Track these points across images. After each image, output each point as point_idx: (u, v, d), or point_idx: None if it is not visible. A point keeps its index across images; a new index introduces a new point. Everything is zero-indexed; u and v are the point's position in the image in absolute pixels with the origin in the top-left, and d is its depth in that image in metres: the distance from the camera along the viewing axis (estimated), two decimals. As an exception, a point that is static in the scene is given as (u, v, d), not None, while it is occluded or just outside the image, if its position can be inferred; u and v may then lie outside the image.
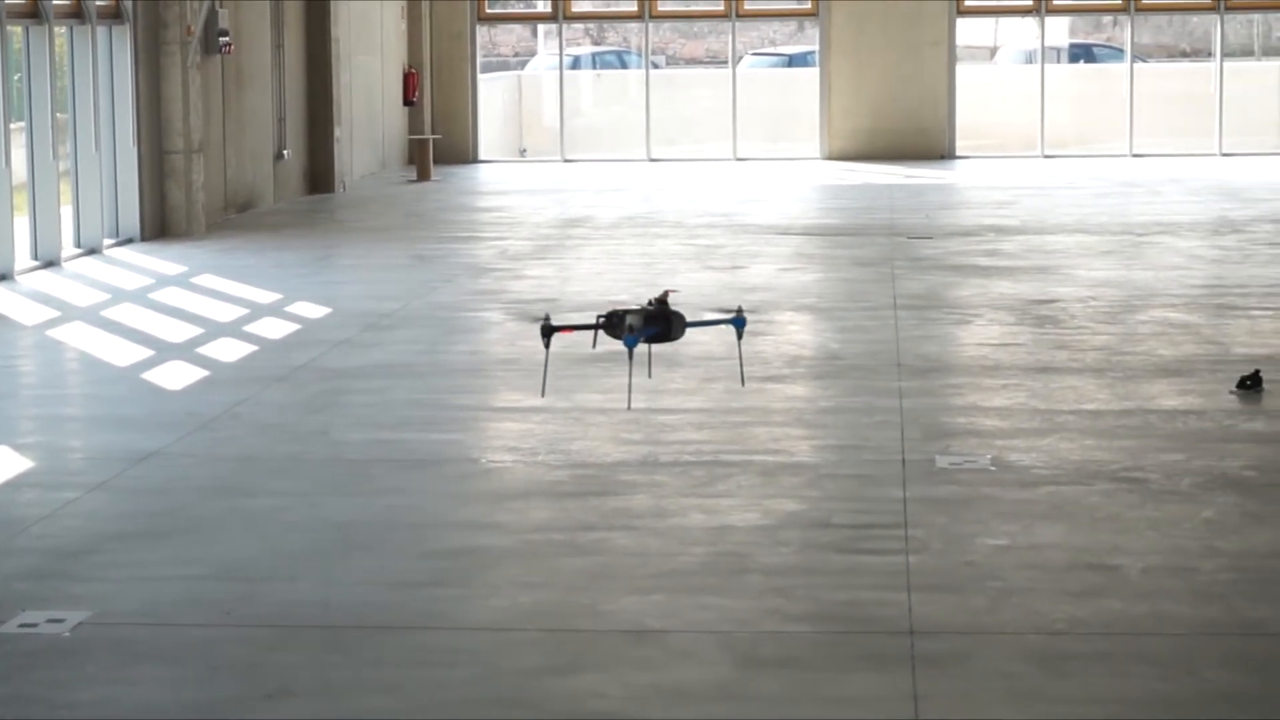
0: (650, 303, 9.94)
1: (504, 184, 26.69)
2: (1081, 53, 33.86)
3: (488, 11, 30.01)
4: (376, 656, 6.79)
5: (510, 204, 23.77)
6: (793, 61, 33.66)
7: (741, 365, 9.83)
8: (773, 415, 10.87)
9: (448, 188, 25.73)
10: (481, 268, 17.56)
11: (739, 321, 9.81)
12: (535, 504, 9.00)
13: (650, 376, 9.84)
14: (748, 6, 29.68)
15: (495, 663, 6.77)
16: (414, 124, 28.07)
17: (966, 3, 28.99)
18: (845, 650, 6.84)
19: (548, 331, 9.72)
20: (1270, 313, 14.40)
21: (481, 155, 29.49)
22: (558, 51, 30.93)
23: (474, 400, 11.72)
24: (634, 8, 29.66)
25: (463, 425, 10.96)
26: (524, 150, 31.50)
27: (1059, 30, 31.72)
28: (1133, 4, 29.06)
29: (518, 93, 33.24)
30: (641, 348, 9.81)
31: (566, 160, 29.37)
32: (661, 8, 29.73)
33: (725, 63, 30.34)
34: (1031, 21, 29.54)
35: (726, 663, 6.71)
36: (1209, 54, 29.71)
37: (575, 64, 33.62)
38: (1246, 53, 31.40)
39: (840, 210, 22.18)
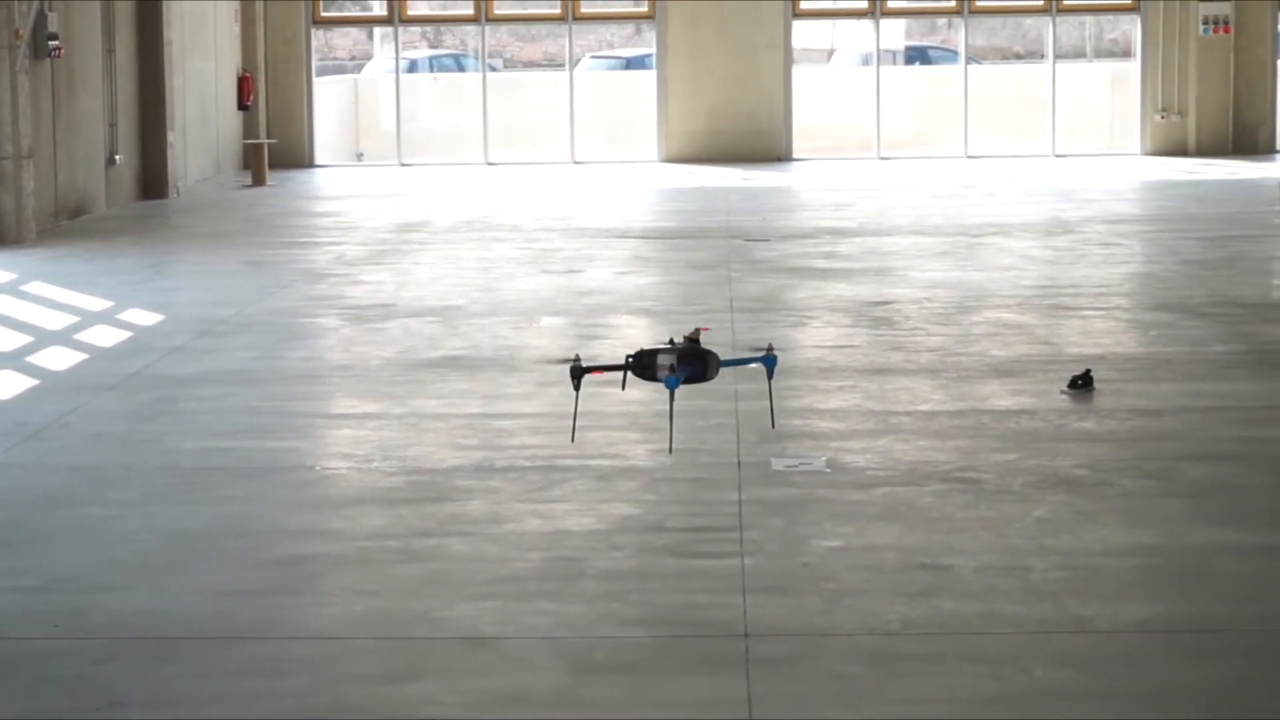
0: (670, 341, 9.76)
1: (340, 189, 26.56)
2: (917, 55, 34.13)
3: (323, 15, 29.87)
4: (208, 667, 6.78)
5: (347, 209, 23.65)
6: (630, 64, 33.72)
7: (772, 406, 9.67)
8: (609, 419, 10.89)
9: (283, 192, 25.60)
10: (318, 273, 17.47)
11: (770, 360, 9.54)
12: (370, 511, 8.99)
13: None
14: (584, 9, 29.74)
15: (329, 671, 6.77)
16: (249, 128, 27.91)
17: (802, 5, 29.16)
18: (680, 654, 6.89)
19: (577, 374, 9.35)
20: (1101, 312, 14.60)
21: (318, 160, 29.36)
22: (394, 55, 30.83)
23: (310, 407, 11.66)
24: (470, 11, 29.64)
25: (298, 432, 10.90)
26: (361, 155, 31.37)
27: (894, 33, 31.95)
28: (966, 7, 29.36)
29: (354, 96, 33.11)
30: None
31: (404, 164, 29.29)
32: (498, 10, 29.70)
33: (563, 66, 30.31)
34: (867, 24, 29.73)
35: (561, 668, 6.74)
36: (1042, 56, 30.03)
37: (412, 67, 33.54)
38: (1079, 55, 31.72)
39: (677, 213, 22.27)
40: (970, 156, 28.88)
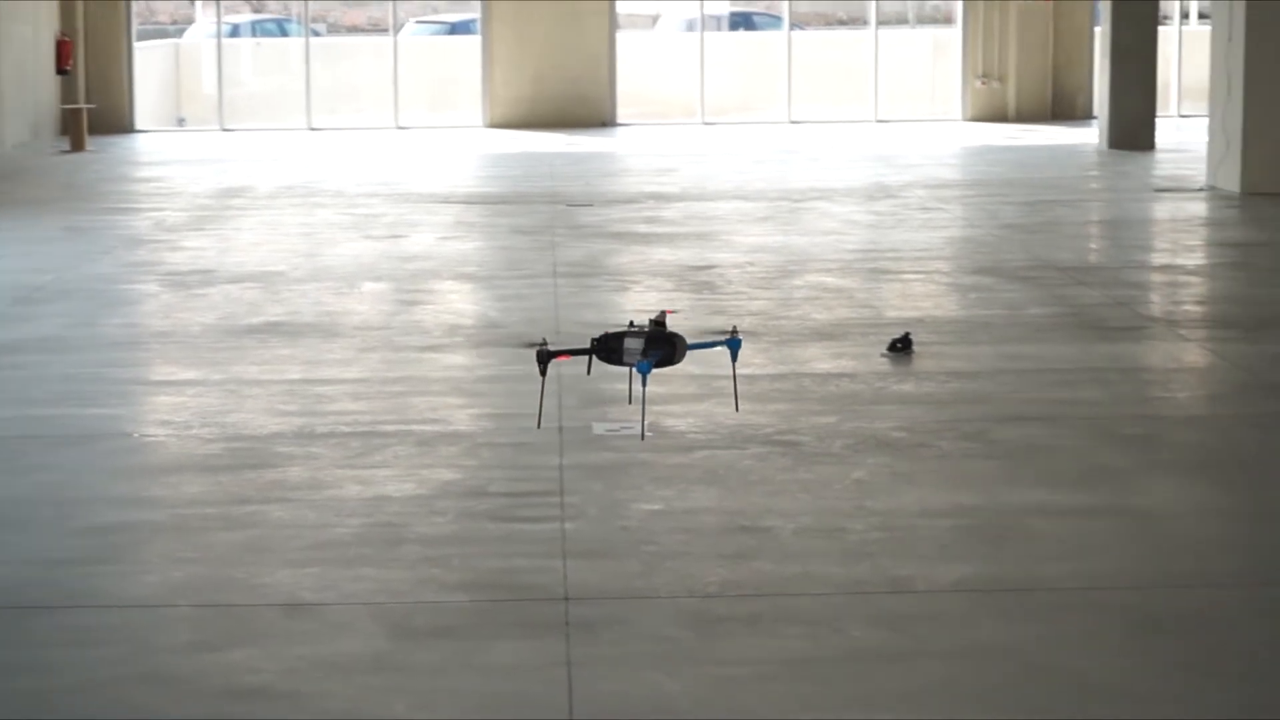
0: (630, 324, 9.62)
1: (162, 154, 26.33)
2: (741, 21, 34.26)
3: (141, -21, 29.62)
4: (24, 637, 6.74)
5: (168, 174, 23.46)
6: (455, 29, 33.62)
7: (736, 388, 9.67)
8: (431, 384, 10.91)
9: (103, 158, 25.35)
10: (138, 239, 17.34)
11: (734, 343, 9.58)
12: (189, 478, 8.94)
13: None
14: (406, -26, 29.71)
15: (147, 640, 6.74)
16: (68, 93, 27.57)
17: (629, -27, 29.29)
18: (500, 618, 6.92)
19: (543, 358, 9.27)
20: (921, 276, 14.76)
21: (138, 125, 29.09)
22: (216, 19, 30.60)
23: (128, 374, 11.56)
24: (289, -26, 29.54)
25: (117, 399, 10.81)
26: (182, 120, 31.10)
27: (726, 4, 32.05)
28: (788, -25, 29.66)
29: (175, 61, 32.80)
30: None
31: (226, 130, 29.11)
32: (320, -24, 29.62)
33: (387, 30, 30.17)
34: (688, -8, 29.86)
35: (381, 634, 6.75)
36: (865, 22, 30.24)
37: (234, 32, 33.31)
38: (901, 21, 31.95)
39: (501, 178, 22.26)
40: (794, 122, 29.05)
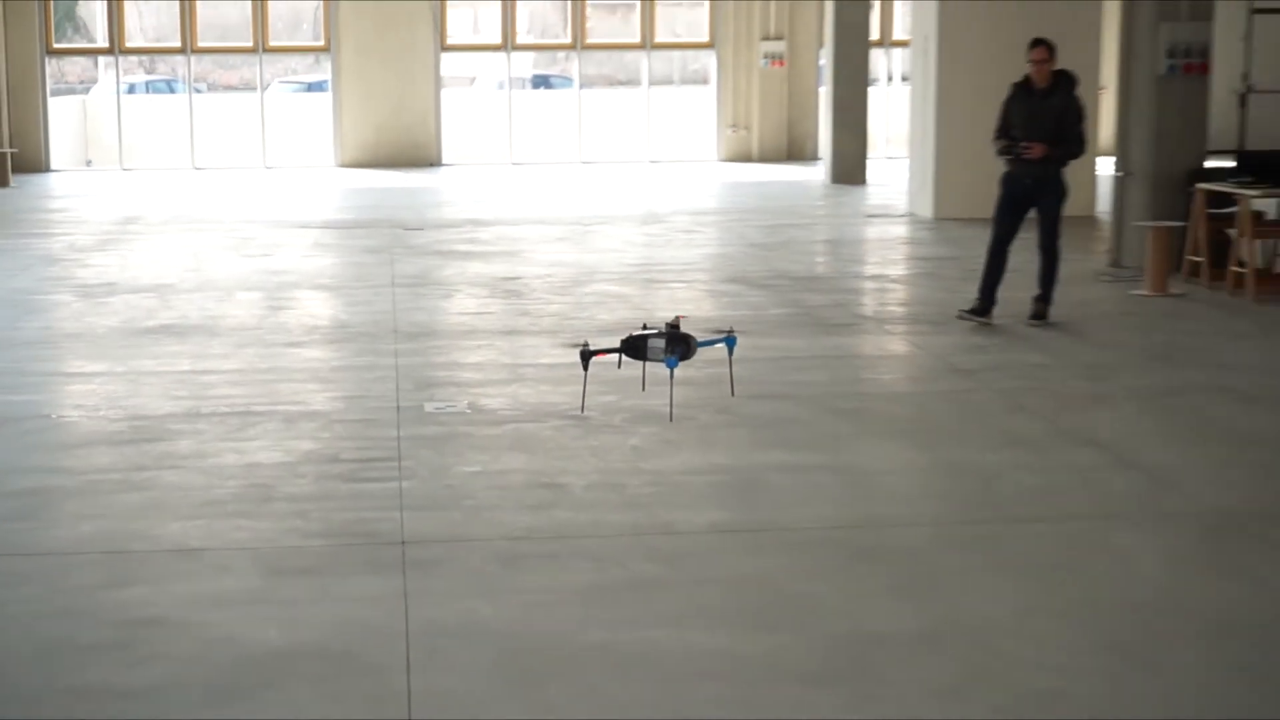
0: (644, 326, 9.63)
1: (71, 190, 25.78)
2: (542, 81, 34.25)
3: (55, 45, 29.05)
4: (-46, 583, 6.69)
5: (76, 206, 22.99)
6: (311, 88, 33.34)
7: (732, 376, 9.71)
8: (295, 374, 10.86)
9: (23, 193, 24.78)
10: (52, 258, 17.02)
11: (731, 340, 9.63)
12: (97, 451, 8.84)
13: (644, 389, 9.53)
14: (272, 43, 29.31)
15: (58, 582, 6.73)
16: (-9, 137, 27.14)
17: (449, 41, 29.06)
18: (351, 559, 6.97)
19: (585, 357, 9.41)
20: (684, 284, 14.86)
21: (53, 166, 28.54)
22: (115, 79, 30.13)
23: (45, 367, 11.37)
24: (179, 44, 29.08)
25: (35, 388, 10.64)
26: (89, 162, 30.46)
27: (524, 63, 31.96)
28: (579, 44, 29.60)
29: (83, 113, 32.18)
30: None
31: (125, 169, 28.63)
32: (202, 44, 29.16)
33: (255, 88, 29.86)
34: (501, 56, 29.70)
35: (256, 573, 6.78)
36: (639, 82, 30.33)
37: (131, 89, 32.75)
38: (668, 81, 32.03)
39: (350, 208, 22.10)
40: (584, 163, 29.10)
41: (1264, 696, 5.48)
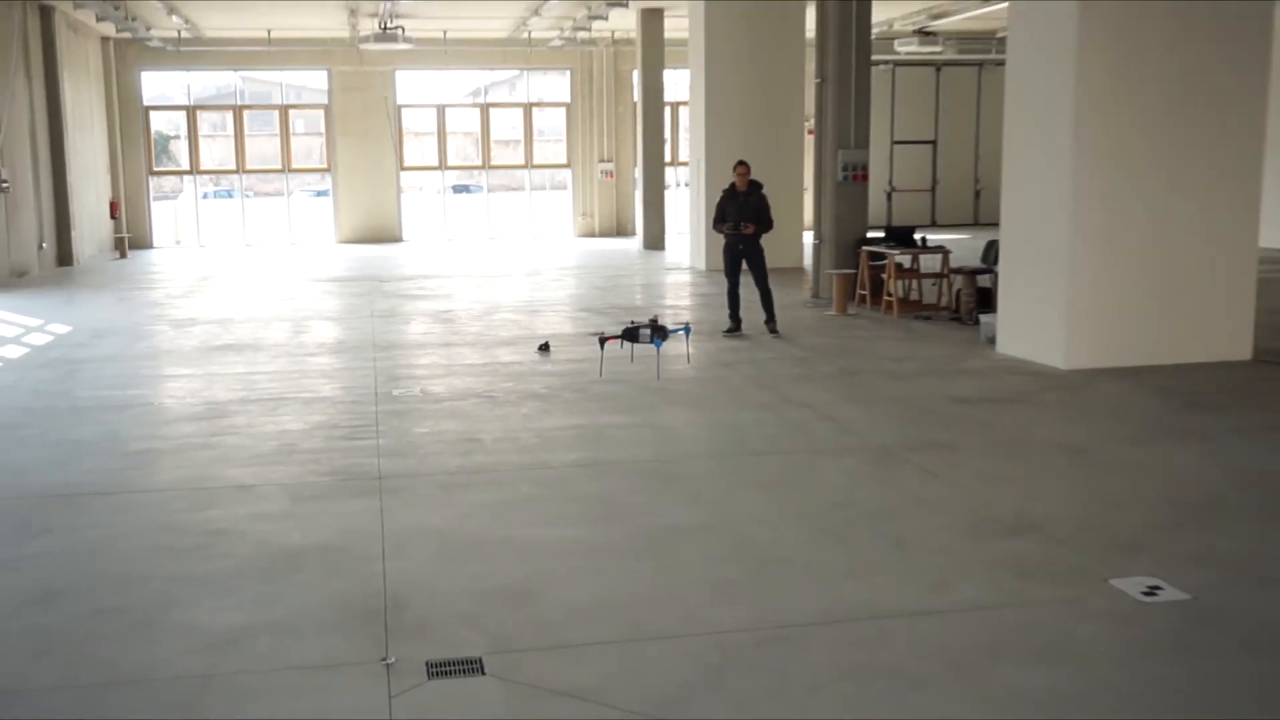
0: (631, 322, 10.15)
1: (166, 260, 25.13)
2: (463, 188, 34.02)
3: (155, 169, 28.21)
4: (89, 508, 6.57)
5: (169, 270, 22.33)
6: (320, 194, 32.79)
7: (689, 353, 10.33)
8: (310, 373, 10.69)
9: (134, 262, 24.00)
10: (154, 302, 16.52)
11: (687, 330, 9.98)
12: (184, 424, 8.64)
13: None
14: (295, 165, 28.81)
15: (161, 507, 6.61)
16: (116, 226, 26.25)
17: (406, 164, 28.74)
18: (348, 489, 6.89)
19: (602, 340, 9.80)
20: (555, 313, 14.81)
21: (155, 244, 27.77)
22: (195, 190, 29.38)
23: (151, 372, 11.05)
24: (234, 167, 28.46)
25: (144, 385, 10.34)
26: (178, 241, 29.70)
27: (452, 177, 31.66)
28: (486, 165, 29.44)
29: (174, 211, 31.24)
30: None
31: (201, 247, 27.92)
32: (249, 166, 28.58)
33: (283, 194, 29.27)
34: (439, 173, 29.43)
35: (287, 499, 6.69)
36: (525, 188, 30.18)
37: (205, 195, 31.98)
38: (543, 187, 31.85)
39: (345, 269, 21.70)
40: (491, 239, 28.92)
41: (909, 556, 5.59)
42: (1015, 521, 6.06)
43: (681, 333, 9.74)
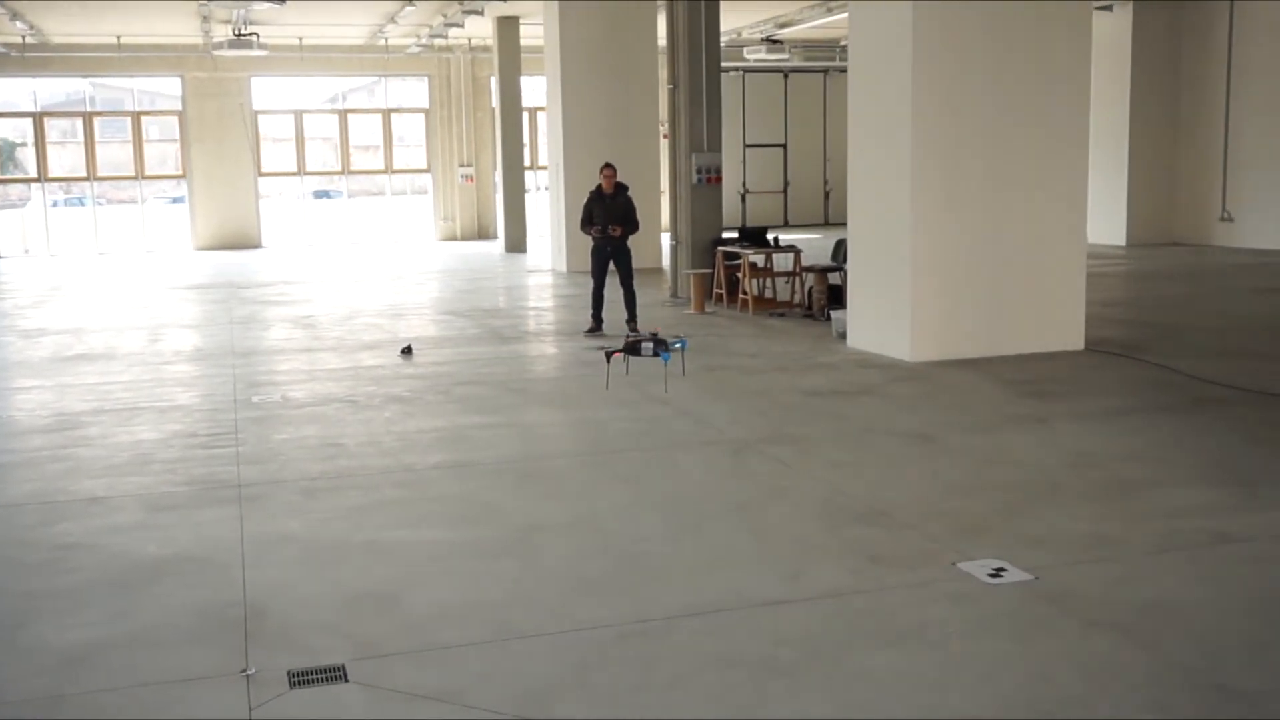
0: (628, 335, 9.90)
1: (14, 270, 24.08)
2: (323, 194, 33.35)
3: (1, 177, 27.11)
4: (-58, 526, 6.17)
5: (18, 279, 21.42)
6: (175, 200, 31.79)
7: (684, 366, 9.95)
8: (166, 382, 10.33)
9: (-18, 271, 23.13)
10: (2, 313, 15.82)
11: (684, 343, 9.71)
12: (33, 437, 8.26)
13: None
14: (148, 172, 27.86)
15: (7, 521, 6.30)
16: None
17: (263, 170, 28.01)
18: (206, 498, 6.64)
19: (608, 355, 9.50)
20: (417, 315, 14.60)
21: (1, 254, 26.57)
22: (43, 196, 28.24)
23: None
24: (85, 174, 27.39)
25: (-7, 398, 9.93)
26: (27, 250, 28.47)
27: (312, 183, 30.96)
28: (346, 170, 28.85)
29: (22, 219, 30.04)
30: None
31: (51, 255, 26.83)
32: (101, 173, 27.56)
33: (137, 201, 28.27)
34: (298, 178, 28.79)
35: (142, 510, 6.43)
36: (386, 193, 29.70)
37: (55, 204, 30.75)
38: (404, 192, 31.34)
39: (203, 276, 21.06)
40: (352, 244, 28.39)
41: (766, 546, 5.62)
42: (866, 509, 6.14)
43: (679, 346, 9.68)
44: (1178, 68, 22.63)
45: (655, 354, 9.41)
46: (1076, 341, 11.00)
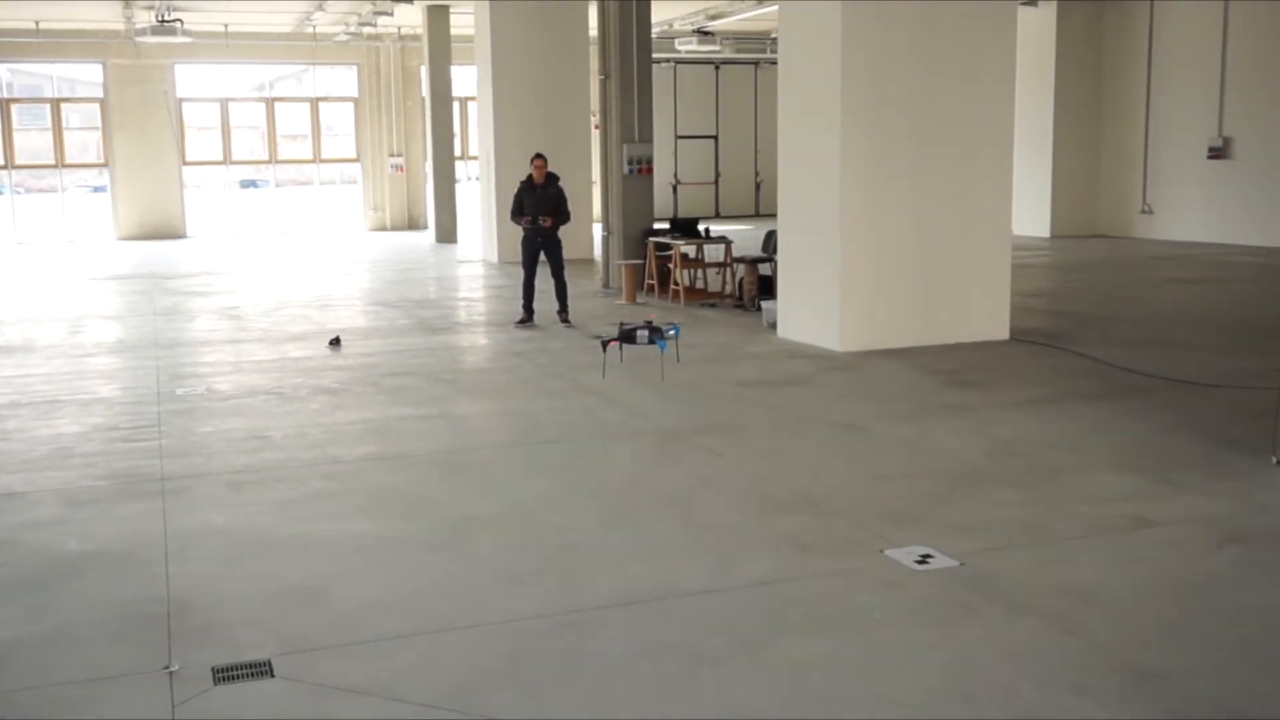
0: (621, 324, 9.80)
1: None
2: (250, 183, 32.85)
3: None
4: None
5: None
6: (97, 189, 31.09)
7: (678, 353, 9.93)
8: (88, 374, 10.11)
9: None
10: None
11: (676, 329, 9.63)
12: (-50, 431, 8.05)
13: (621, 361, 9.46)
14: (69, 160, 27.24)
15: (-74, 519, 6.09)
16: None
17: (189, 159, 27.51)
18: (128, 492, 6.52)
19: (604, 344, 9.40)
20: (347, 307, 14.43)
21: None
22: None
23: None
24: (2, 162, 26.73)
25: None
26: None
27: (239, 172, 30.49)
28: (274, 160, 28.46)
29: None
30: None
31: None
32: (19, 162, 26.90)
33: (57, 191, 27.65)
34: (224, 167, 28.33)
35: (61, 505, 6.29)
36: (314, 183, 29.34)
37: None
38: (333, 181, 30.97)
39: (128, 265, 20.65)
40: (280, 234, 28.01)
41: (696, 536, 5.62)
42: (796, 498, 6.17)
43: (672, 332, 9.60)
44: (1100, 64, 23.03)
45: (651, 341, 9.36)
46: (1002, 332, 11.15)
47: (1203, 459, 6.83)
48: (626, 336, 9.48)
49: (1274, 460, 6.68)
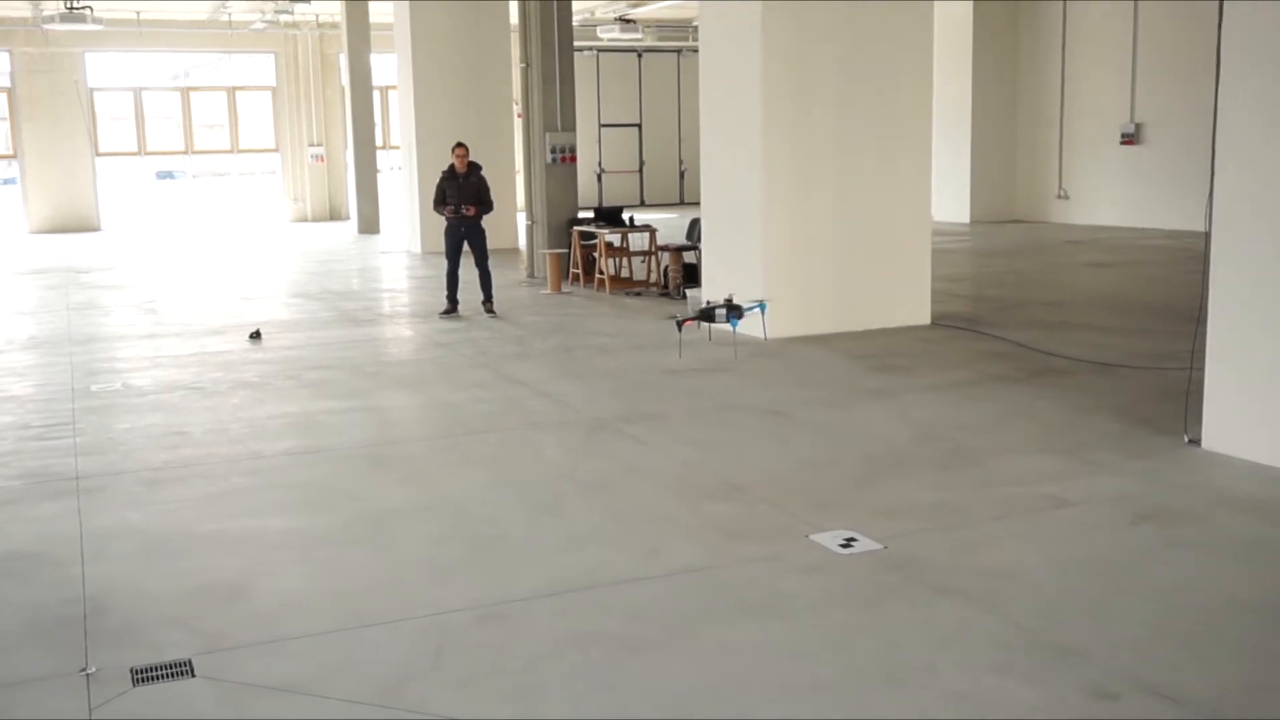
0: (707, 302, 9.49)
1: None
2: (166, 175, 32.24)
3: None
4: None
5: None
6: (7, 182, 30.33)
7: (765, 328, 9.66)
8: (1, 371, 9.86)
9: None
10: None
11: (763, 306, 9.11)
12: None
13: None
14: (-25, 152, 26.64)
15: None
16: None
17: (102, 150, 26.90)
18: (41, 491, 6.36)
19: (679, 323, 8.97)
20: (269, 300, 14.18)
21: None
22: None
23: None
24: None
25: None
26: None
27: (155, 163, 29.90)
28: (190, 150, 27.93)
29: None
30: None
31: None
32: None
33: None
34: (139, 158, 27.76)
35: (-28, 505, 6.09)
36: (230, 175, 28.91)
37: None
38: (252, 172, 30.51)
39: (39, 259, 20.16)
40: (198, 226, 27.49)
41: (623, 524, 5.62)
42: (721, 485, 6.19)
43: (757, 309, 9.37)
44: (1016, 54, 23.38)
45: (727, 320, 9.20)
46: (923, 317, 11.27)
47: (1118, 439, 6.97)
48: (705, 314, 9.36)
49: (1186, 439, 6.83)
